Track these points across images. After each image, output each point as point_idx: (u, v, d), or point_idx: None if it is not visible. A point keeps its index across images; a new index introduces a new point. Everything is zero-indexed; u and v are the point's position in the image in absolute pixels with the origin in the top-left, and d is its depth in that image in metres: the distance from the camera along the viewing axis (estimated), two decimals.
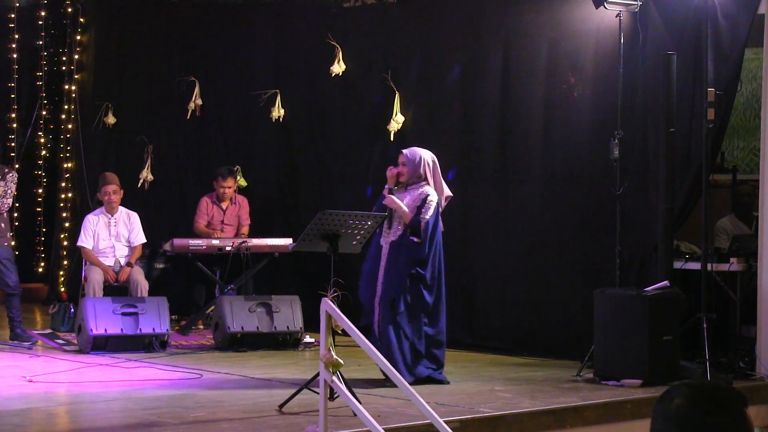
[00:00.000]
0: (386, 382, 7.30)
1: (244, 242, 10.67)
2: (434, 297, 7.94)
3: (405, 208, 7.87)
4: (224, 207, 11.22)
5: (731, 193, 9.74)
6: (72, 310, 10.48)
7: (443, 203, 8.10)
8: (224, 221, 11.21)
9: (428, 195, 7.94)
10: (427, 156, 8.09)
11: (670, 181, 8.43)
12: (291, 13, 11.68)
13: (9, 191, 9.70)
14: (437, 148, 10.38)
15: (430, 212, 7.89)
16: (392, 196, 7.95)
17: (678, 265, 8.65)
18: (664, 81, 8.42)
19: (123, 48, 12.42)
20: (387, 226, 7.96)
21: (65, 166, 12.58)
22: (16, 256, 10.03)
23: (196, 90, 11.79)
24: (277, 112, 11.38)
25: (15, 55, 12.60)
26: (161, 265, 11.29)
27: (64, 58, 12.67)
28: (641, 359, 7.94)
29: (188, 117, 11.81)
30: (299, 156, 11.57)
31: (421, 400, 5.52)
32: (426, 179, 8.02)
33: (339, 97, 11.22)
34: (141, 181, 11.90)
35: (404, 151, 8.16)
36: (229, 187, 11.14)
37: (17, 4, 12.60)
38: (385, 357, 6.66)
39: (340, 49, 10.85)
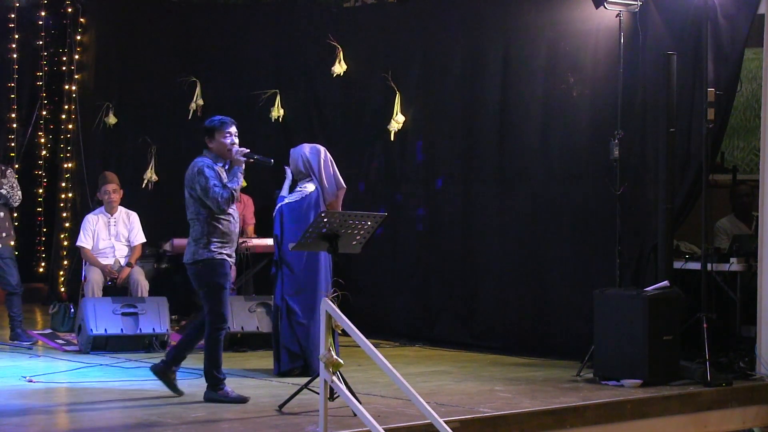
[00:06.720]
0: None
1: (244, 242, 10.67)
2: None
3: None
4: None
5: (731, 193, 9.74)
6: (72, 310, 10.48)
7: (331, 197, 8.23)
8: None
9: (305, 188, 8.19)
10: (306, 151, 8.32)
11: (670, 181, 8.42)
12: (291, 13, 11.69)
13: (15, 185, 9.76)
14: (437, 148, 10.47)
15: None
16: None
17: (678, 265, 8.65)
18: (664, 81, 8.42)
19: (123, 48, 12.40)
20: None
21: (65, 166, 12.55)
22: (16, 255, 10.03)
23: (198, 90, 11.78)
24: (277, 112, 11.39)
25: (15, 55, 12.59)
26: (162, 265, 11.28)
27: (64, 58, 12.66)
28: (641, 359, 7.93)
29: (189, 117, 11.80)
30: None
31: (421, 400, 5.52)
32: (309, 175, 8.23)
33: (339, 97, 11.22)
34: (145, 181, 11.88)
35: (291, 150, 8.44)
36: None
37: (17, 4, 12.60)
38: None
39: (340, 49, 10.85)
